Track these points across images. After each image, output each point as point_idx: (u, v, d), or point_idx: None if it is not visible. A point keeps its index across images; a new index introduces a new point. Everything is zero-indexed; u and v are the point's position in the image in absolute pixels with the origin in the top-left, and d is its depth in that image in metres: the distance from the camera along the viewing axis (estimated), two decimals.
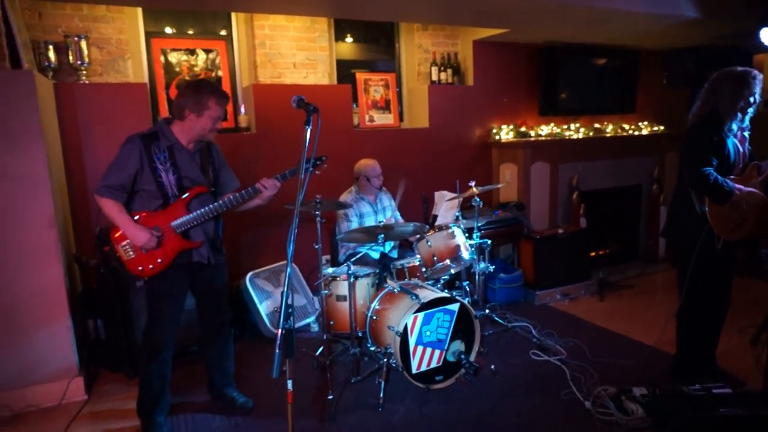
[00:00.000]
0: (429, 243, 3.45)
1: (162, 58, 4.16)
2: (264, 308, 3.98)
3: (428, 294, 3.10)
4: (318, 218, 3.26)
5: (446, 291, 3.25)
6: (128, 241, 2.54)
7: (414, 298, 3.05)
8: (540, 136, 5.23)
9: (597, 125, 5.58)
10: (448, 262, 3.44)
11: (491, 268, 3.71)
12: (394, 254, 4.14)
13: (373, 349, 3.27)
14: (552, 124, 5.32)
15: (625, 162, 5.56)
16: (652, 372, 3.22)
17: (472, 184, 3.67)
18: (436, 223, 4.36)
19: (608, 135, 5.55)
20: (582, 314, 4.34)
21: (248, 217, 3.39)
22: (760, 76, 2.71)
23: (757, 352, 3.57)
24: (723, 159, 2.72)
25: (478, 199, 3.66)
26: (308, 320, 4.18)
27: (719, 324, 3.09)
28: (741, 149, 2.79)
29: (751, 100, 2.69)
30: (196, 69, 4.29)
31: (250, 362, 3.54)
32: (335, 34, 4.74)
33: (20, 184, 2.96)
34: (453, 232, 3.51)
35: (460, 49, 5.14)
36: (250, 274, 4.05)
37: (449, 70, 5.01)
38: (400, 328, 2.96)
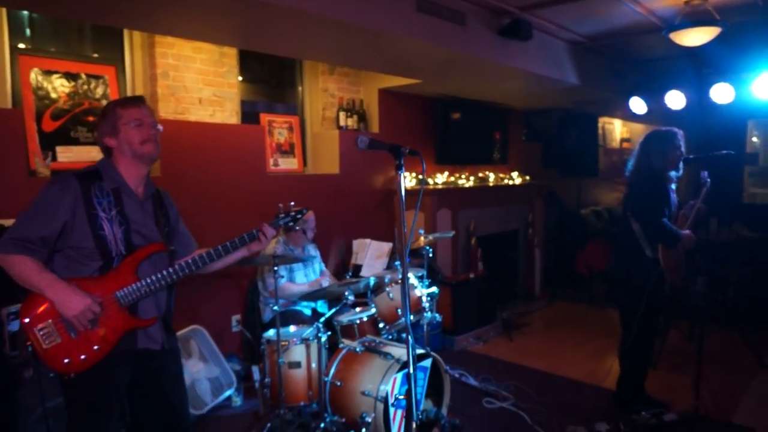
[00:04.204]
0: (391, 296, 3.22)
1: (33, 81, 3.32)
2: None
3: (401, 351, 2.86)
4: (275, 274, 2.82)
5: (418, 346, 3.04)
6: (49, 321, 1.82)
7: (388, 357, 2.79)
8: (437, 184, 5.39)
9: (480, 174, 5.97)
10: (411, 316, 3.25)
11: (438, 317, 3.60)
12: (325, 309, 3.79)
13: (335, 419, 2.88)
14: (446, 173, 5.54)
15: (505, 209, 6.02)
16: (593, 405, 3.42)
17: (422, 231, 3.57)
18: (362, 274, 4.14)
19: (491, 184, 5.97)
20: (503, 356, 4.45)
21: None
22: (681, 132, 3.15)
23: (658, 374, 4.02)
24: (669, 209, 3.07)
25: (428, 248, 3.55)
26: (228, 393, 3.56)
27: (651, 355, 3.42)
28: (675, 199, 3.18)
29: (678, 154, 3.10)
30: (76, 98, 3.51)
31: None
32: None
33: None
34: (413, 283, 3.34)
35: (364, 96, 5.10)
36: None
37: (355, 116, 4.92)
38: (381, 393, 2.66)
